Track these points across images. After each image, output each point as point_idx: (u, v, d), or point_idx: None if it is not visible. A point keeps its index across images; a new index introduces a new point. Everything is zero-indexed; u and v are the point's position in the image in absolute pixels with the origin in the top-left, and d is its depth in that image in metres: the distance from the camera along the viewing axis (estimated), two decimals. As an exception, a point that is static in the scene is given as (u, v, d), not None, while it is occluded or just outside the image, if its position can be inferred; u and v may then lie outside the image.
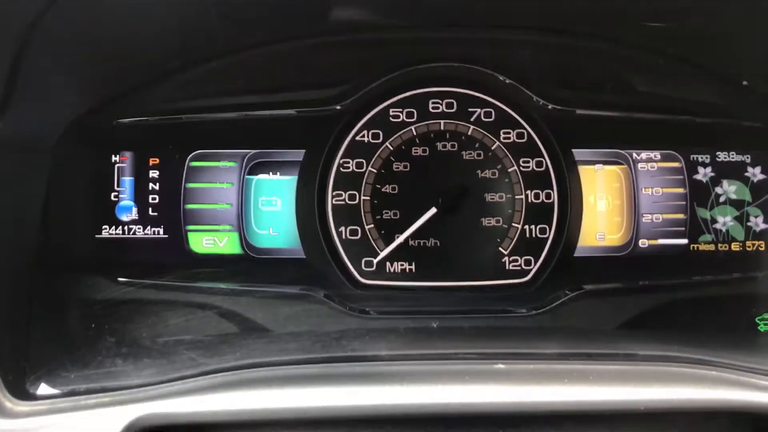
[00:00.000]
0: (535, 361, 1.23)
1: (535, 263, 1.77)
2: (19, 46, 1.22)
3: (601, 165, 1.80)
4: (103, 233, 1.74)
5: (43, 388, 1.24)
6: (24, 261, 1.43)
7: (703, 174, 1.79)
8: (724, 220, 1.78)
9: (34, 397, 1.21)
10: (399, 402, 1.12)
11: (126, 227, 1.75)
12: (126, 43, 1.49)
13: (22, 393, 1.20)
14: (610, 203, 1.80)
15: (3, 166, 1.29)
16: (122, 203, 1.76)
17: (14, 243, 1.40)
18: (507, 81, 1.77)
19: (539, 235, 1.77)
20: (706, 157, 1.79)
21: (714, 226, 1.78)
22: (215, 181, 1.78)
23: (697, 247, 1.78)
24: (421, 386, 1.13)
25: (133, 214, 1.76)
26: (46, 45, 1.28)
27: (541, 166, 1.78)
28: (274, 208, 1.79)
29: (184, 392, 1.14)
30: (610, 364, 1.23)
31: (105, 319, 1.55)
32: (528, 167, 1.78)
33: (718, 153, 1.79)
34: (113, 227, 1.75)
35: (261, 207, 1.78)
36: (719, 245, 1.78)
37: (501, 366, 1.20)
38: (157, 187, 1.77)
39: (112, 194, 1.75)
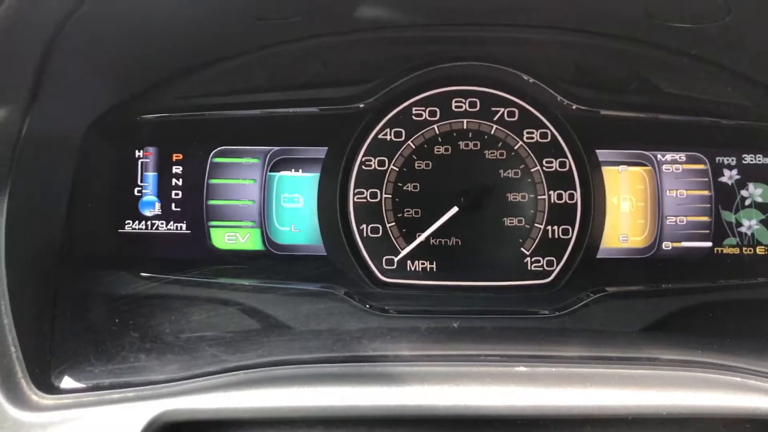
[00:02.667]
0: (556, 364, 1.22)
1: (558, 264, 1.76)
2: (46, 43, 1.23)
3: (625, 166, 1.78)
4: (126, 228, 1.76)
5: (68, 382, 1.25)
6: (48, 255, 1.45)
7: (729, 176, 1.77)
8: (750, 224, 1.76)
9: (58, 391, 1.22)
10: (419, 403, 1.12)
11: (149, 222, 1.76)
12: (150, 40, 1.50)
13: (47, 386, 1.21)
14: (633, 205, 1.78)
15: (28, 162, 1.30)
16: (145, 198, 1.77)
17: (39, 237, 1.42)
18: (531, 80, 1.76)
19: (562, 236, 1.76)
20: (732, 160, 1.77)
21: (739, 229, 1.76)
22: (238, 178, 1.78)
23: (722, 251, 1.76)
24: (442, 388, 1.13)
25: (156, 210, 1.77)
26: (73, 42, 1.28)
27: (565, 167, 1.77)
28: (296, 205, 1.79)
29: (207, 389, 1.15)
30: (633, 368, 1.21)
31: (128, 314, 1.56)
32: (551, 167, 1.77)
33: (744, 155, 1.77)
34: (136, 222, 1.76)
35: (283, 204, 1.79)
36: (744, 248, 1.76)
37: (522, 368, 1.19)
38: (180, 183, 1.78)
39: (136, 189, 1.77)
